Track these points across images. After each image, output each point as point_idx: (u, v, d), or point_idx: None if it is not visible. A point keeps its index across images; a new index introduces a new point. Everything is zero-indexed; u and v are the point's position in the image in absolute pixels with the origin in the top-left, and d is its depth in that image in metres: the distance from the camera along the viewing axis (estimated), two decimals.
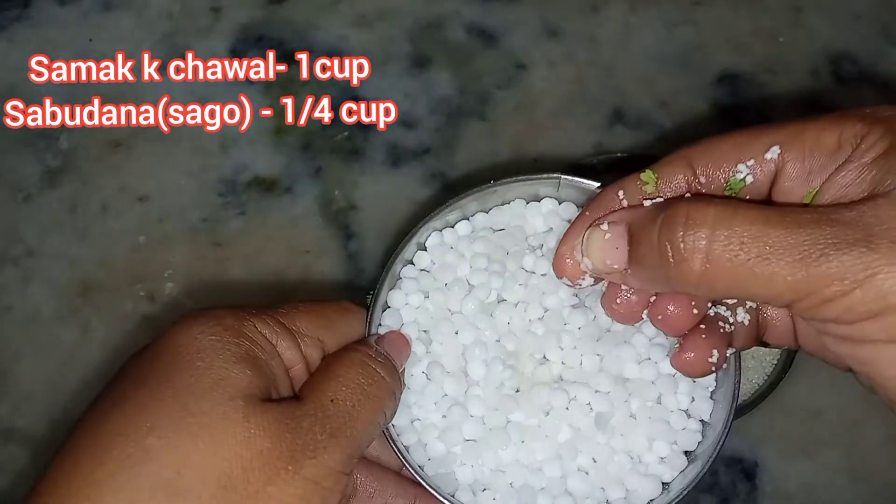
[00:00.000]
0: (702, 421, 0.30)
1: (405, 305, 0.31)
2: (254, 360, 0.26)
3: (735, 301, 0.27)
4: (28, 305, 0.48)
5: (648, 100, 0.54)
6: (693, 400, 0.30)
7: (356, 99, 0.54)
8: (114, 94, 0.55)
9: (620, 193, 0.28)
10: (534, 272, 0.31)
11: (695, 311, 0.27)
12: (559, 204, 0.32)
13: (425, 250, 0.32)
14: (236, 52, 0.56)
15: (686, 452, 0.30)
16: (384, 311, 0.31)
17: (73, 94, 0.55)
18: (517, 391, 0.30)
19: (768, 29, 0.58)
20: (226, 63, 0.56)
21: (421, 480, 0.28)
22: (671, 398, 0.29)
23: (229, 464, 0.23)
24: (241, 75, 0.55)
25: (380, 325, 0.31)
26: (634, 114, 0.54)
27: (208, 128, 0.53)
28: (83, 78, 0.55)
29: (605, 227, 0.27)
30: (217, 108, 0.54)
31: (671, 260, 0.24)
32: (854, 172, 0.24)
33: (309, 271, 0.50)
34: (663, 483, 0.29)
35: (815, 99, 0.54)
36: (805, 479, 0.43)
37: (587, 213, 0.28)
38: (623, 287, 0.28)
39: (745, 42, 0.57)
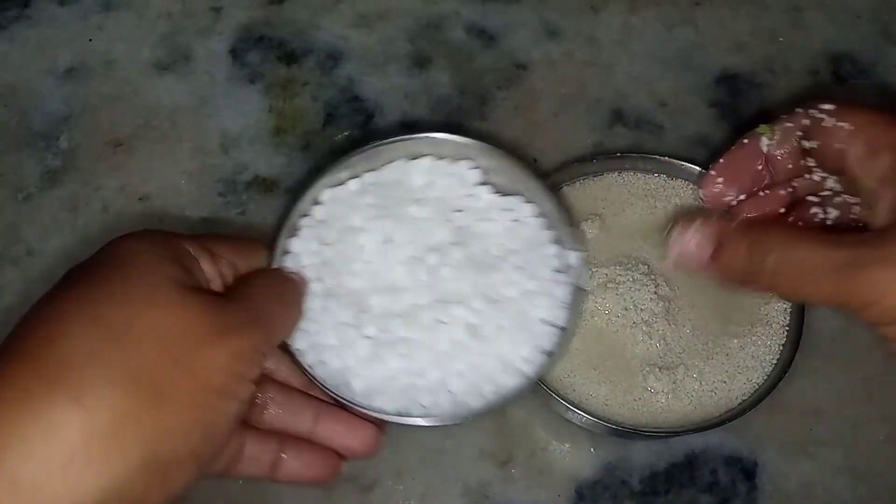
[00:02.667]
0: (557, 326, 0.36)
1: (304, 250, 0.36)
2: (182, 263, 0.30)
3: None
4: (28, 305, 0.48)
5: (648, 100, 0.54)
6: (550, 311, 0.36)
7: (356, 99, 0.54)
8: (114, 93, 0.55)
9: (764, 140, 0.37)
10: (416, 217, 0.37)
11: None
12: (437, 160, 0.38)
13: (321, 205, 0.38)
14: (236, 52, 0.57)
15: (545, 351, 0.36)
16: (284, 255, 0.36)
17: (73, 93, 0.55)
18: (405, 314, 0.35)
19: (768, 29, 0.58)
20: (226, 63, 0.56)
21: (324, 388, 0.34)
22: (533, 310, 0.36)
23: (169, 329, 0.27)
24: (242, 75, 0.56)
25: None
26: (634, 114, 0.54)
27: (208, 127, 0.53)
28: (83, 77, 0.55)
29: (695, 228, 0.34)
30: (217, 107, 0.54)
31: (749, 270, 0.32)
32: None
33: None
34: (522, 373, 0.35)
35: (816, 99, 0.54)
36: (805, 479, 0.43)
37: (722, 161, 0.39)
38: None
39: (745, 42, 0.57)
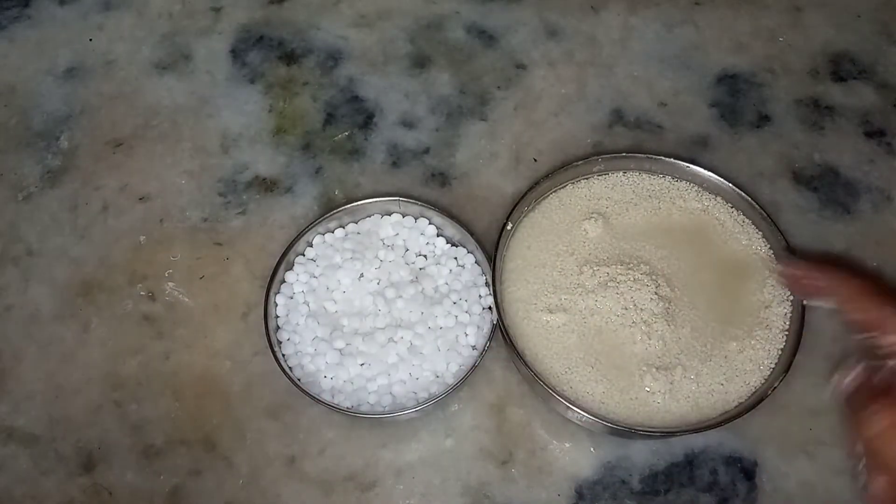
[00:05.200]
0: (475, 347, 0.45)
1: (296, 280, 0.46)
2: None
3: None
4: (28, 305, 0.48)
5: (648, 100, 0.54)
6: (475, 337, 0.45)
7: (356, 99, 0.54)
8: (114, 93, 0.55)
9: None
10: (384, 260, 0.46)
11: None
12: (402, 217, 0.48)
13: (311, 246, 0.47)
14: (236, 52, 0.57)
15: (467, 368, 0.44)
16: (281, 284, 0.46)
17: (73, 93, 0.55)
18: (366, 334, 0.44)
19: (768, 29, 0.58)
20: (226, 63, 0.56)
21: (297, 385, 0.42)
22: (462, 337, 0.44)
23: None
24: (242, 75, 0.56)
25: (278, 292, 0.46)
26: (634, 113, 0.54)
27: (208, 127, 0.53)
28: (83, 77, 0.56)
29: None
30: (217, 107, 0.54)
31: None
32: None
33: None
34: (448, 384, 0.44)
35: (815, 99, 0.54)
36: (805, 479, 0.43)
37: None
38: None
39: (745, 42, 0.57)
